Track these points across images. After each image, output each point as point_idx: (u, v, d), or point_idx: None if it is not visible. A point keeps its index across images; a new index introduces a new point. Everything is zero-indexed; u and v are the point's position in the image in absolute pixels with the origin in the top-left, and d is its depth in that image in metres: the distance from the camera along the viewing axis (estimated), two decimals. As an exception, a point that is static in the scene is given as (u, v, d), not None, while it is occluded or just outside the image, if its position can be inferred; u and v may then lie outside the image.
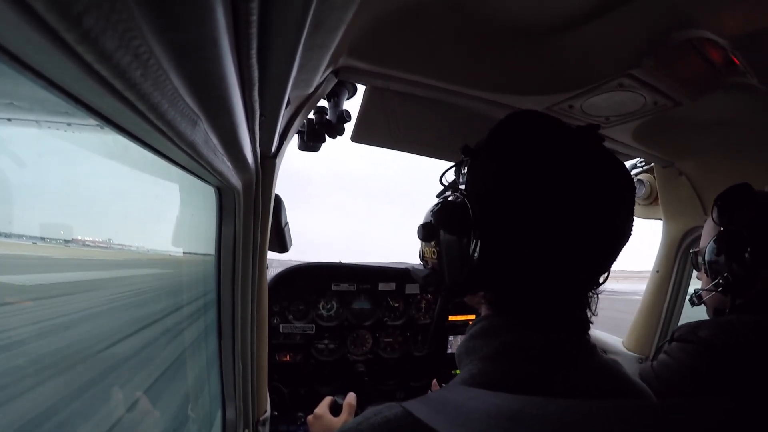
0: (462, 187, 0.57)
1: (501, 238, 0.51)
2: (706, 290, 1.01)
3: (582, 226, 0.49)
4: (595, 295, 0.57)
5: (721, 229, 0.98)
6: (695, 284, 1.75)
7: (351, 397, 1.06)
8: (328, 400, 1.08)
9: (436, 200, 0.62)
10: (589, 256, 0.52)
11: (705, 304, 1.05)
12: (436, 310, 0.70)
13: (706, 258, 1.00)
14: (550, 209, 0.49)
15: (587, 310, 0.56)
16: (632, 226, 0.54)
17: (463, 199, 0.54)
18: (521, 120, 0.55)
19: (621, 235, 0.53)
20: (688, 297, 1.12)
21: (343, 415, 1.01)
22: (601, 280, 0.56)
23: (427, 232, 0.60)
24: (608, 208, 0.51)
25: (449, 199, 0.57)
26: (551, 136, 0.52)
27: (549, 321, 0.53)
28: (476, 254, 0.52)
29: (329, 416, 1.02)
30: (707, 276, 1.01)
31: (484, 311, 0.59)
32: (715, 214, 1.01)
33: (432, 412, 0.42)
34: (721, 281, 0.97)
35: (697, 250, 1.07)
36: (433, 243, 0.61)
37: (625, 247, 0.54)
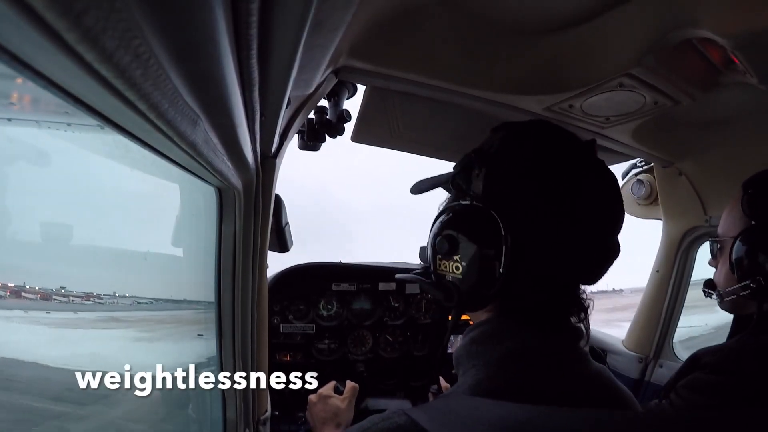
0: (475, 194, 0.55)
1: (523, 248, 0.52)
2: (730, 292, 0.91)
3: (598, 236, 0.53)
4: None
5: (753, 223, 0.87)
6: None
7: (351, 383, 1.12)
8: (332, 383, 1.13)
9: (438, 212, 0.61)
10: (594, 266, 0.56)
11: (720, 297, 0.96)
12: (447, 333, 0.66)
13: (735, 255, 0.89)
14: (573, 221, 0.51)
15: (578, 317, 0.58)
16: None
17: (486, 208, 0.52)
18: (540, 130, 0.57)
19: (618, 246, 0.56)
20: (702, 288, 1.01)
21: (347, 394, 1.07)
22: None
23: (451, 244, 0.55)
24: (615, 221, 0.54)
25: (466, 207, 0.55)
26: (569, 148, 0.55)
27: (549, 327, 0.54)
28: (505, 265, 0.51)
29: (336, 396, 1.07)
30: (733, 274, 0.90)
31: (483, 315, 0.58)
32: (745, 203, 0.89)
33: (437, 422, 0.43)
34: (752, 285, 0.85)
35: (716, 238, 0.96)
36: (457, 256, 0.55)
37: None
